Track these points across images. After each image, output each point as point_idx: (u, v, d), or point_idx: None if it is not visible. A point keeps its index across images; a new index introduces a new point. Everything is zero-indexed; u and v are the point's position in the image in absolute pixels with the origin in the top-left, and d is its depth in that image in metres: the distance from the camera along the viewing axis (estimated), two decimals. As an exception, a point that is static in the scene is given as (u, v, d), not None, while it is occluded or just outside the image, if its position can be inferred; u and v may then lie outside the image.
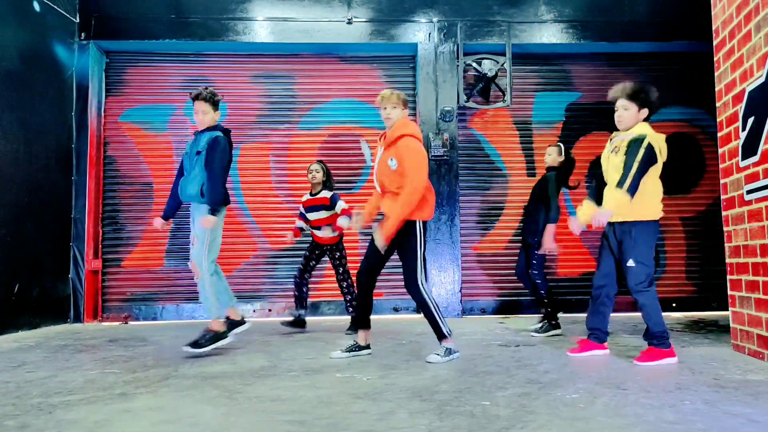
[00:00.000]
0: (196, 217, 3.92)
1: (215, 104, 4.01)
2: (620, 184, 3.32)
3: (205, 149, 3.88)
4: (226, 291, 4.04)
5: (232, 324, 4.03)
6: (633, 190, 3.30)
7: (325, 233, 5.02)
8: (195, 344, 3.81)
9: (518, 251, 5.06)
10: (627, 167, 3.34)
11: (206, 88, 4.00)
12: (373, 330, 5.15)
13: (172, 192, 4.13)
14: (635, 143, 3.37)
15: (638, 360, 3.44)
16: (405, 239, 3.54)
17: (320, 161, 5.27)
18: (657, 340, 3.44)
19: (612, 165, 3.52)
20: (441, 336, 3.57)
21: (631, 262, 3.44)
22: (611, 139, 3.66)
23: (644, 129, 3.48)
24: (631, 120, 3.50)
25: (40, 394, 2.77)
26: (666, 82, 6.92)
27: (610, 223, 3.50)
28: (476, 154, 6.81)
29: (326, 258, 5.18)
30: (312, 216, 5.10)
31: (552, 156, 4.80)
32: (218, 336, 3.89)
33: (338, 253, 5.14)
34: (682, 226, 6.80)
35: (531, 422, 2.18)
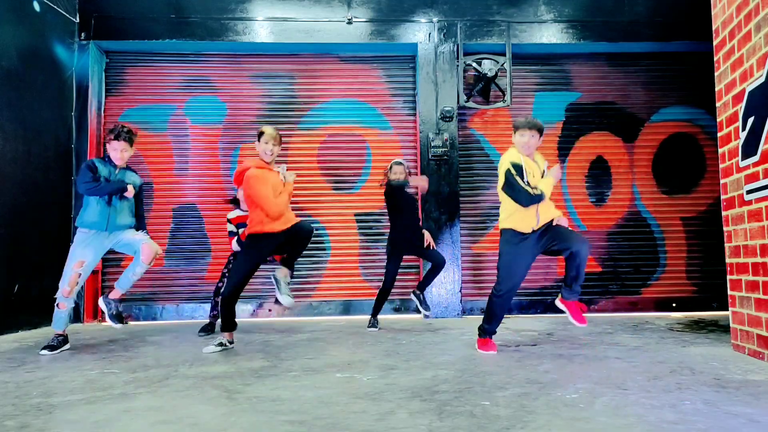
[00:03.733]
0: (124, 231, 4.24)
1: (132, 142, 4.33)
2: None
3: (135, 191, 4.28)
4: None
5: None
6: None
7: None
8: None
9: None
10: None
11: (121, 127, 4.30)
12: (372, 330, 5.16)
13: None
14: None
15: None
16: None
17: None
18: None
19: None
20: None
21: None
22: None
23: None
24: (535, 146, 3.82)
25: (40, 394, 2.77)
26: (666, 82, 6.93)
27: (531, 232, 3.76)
28: (476, 154, 6.81)
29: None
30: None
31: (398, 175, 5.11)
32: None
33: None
34: (683, 226, 6.80)
35: (531, 422, 2.18)
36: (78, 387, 2.91)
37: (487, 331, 3.90)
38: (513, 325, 5.51)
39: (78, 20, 6.43)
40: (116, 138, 4.19)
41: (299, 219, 4.18)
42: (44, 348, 4.09)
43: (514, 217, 3.76)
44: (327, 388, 2.82)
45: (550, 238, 3.75)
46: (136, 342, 4.59)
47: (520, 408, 2.39)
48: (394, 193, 5.09)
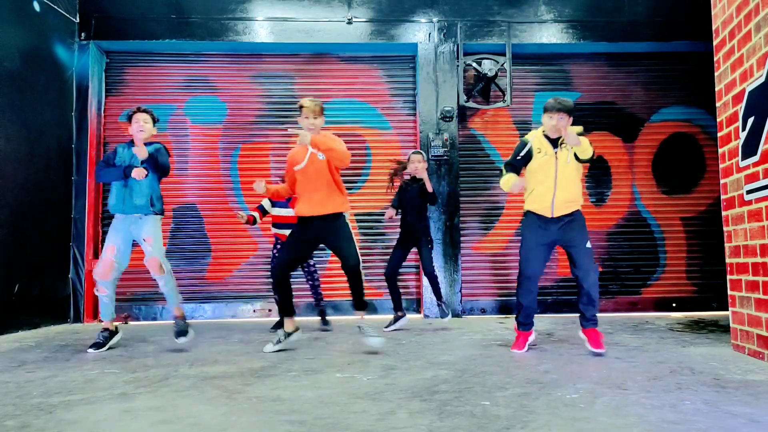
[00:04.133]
0: (144, 225, 4.15)
1: (154, 119, 4.28)
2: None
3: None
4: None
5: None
6: None
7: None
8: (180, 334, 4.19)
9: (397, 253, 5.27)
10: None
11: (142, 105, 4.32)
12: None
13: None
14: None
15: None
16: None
17: None
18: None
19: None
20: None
21: (588, 244, 3.78)
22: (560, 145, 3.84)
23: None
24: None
25: (40, 394, 2.77)
26: (666, 82, 6.93)
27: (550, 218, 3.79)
28: (476, 154, 6.81)
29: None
30: (280, 212, 5.09)
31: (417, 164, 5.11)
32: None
33: None
34: (683, 226, 6.80)
35: (531, 422, 2.18)
36: (78, 387, 2.91)
37: (518, 323, 3.94)
38: (513, 325, 5.50)
39: (78, 20, 6.44)
40: (136, 111, 4.16)
41: (336, 209, 3.89)
42: (91, 346, 4.06)
43: (531, 195, 3.83)
44: (327, 388, 2.82)
45: (567, 243, 3.77)
46: (136, 342, 4.59)
47: (520, 408, 2.39)
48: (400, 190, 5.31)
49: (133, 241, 4.23)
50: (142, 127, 4.12)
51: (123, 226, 4.15)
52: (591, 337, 3.75)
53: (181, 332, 4.17)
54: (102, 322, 4.23)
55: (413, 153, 5.22)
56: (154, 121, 4.25)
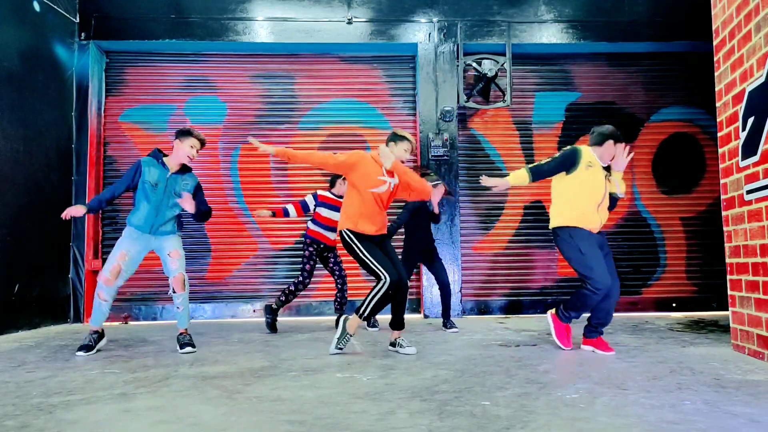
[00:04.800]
0: (168, 240, 4.08)
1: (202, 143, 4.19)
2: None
3: (191, 192, 4.12)
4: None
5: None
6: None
7: (334, 235, 5.07)
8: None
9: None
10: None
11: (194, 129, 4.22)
12: (373, 330, 5.17)
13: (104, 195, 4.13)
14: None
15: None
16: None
17: None
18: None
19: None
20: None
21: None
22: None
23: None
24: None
25: (40, 394, 2.77)
26: (666, 82, 6.93)
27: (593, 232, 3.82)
28: (476, 154, 6.81)
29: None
30: (328, 214, 5.10)
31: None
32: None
33: (337, 254, 5.22)
34: (683, 226, 6.80)
35: (531, 422, 2.18)
36: (78, 387, 2.91)
37: (567, 317, 3.95)
38: (513, 325, 5.51)
39: (78, 20, 6.43)
40: (188, 134, 4.07)
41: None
42: (80, 349, 3.95)
43: (575, 212, 3.79)
44: (327, 388, 2.82)
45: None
46: (136, 342, 4.59)
47: (520, 408, 2.39)
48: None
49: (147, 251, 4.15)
50: (191, 154, 4.07)
51: (144, 240, 4.05)
52: (600, 345, 3.81)
53: (188, 344, 4.09)
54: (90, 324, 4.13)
55: (434, 184, 5.02)
56: (202, 147, 4.19)
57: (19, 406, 2.54)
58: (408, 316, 5.28)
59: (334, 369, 3.30)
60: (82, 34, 6.44)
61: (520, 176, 3.84)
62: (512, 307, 6.55)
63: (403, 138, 3.93)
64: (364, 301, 3.80)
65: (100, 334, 4.10)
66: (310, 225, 5.17)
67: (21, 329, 5.35)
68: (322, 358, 3.67)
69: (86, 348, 3.96)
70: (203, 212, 4.19)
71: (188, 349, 4.05)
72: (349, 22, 6.59)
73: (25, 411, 2.45)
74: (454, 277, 6.30)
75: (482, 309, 6.57)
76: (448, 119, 6.50)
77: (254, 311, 6.47)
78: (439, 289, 5.12)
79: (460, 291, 6.35)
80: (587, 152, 3.82)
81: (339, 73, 6.87)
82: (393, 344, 3.94)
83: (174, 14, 6.52)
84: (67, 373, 3.28)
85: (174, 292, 4.09)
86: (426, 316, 6.22)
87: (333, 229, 5.06)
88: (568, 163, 3.78)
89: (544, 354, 3.76)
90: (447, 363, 3.46)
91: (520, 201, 6.74)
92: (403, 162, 3.96)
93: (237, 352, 3.99)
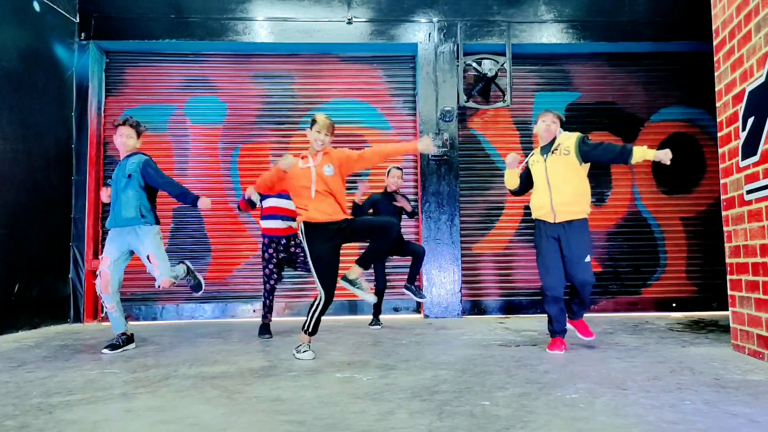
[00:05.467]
0: (143, 238, 4.08)
1: (139, 132, 4.27)
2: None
3: (138, 171, 4.10)
4: None
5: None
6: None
7: (286, 223, 4.73)
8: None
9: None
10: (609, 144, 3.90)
11: (131, 117, 4.31)
12: (373, 331, 5.17)
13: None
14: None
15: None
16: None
17: None
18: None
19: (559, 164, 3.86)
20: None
21: (587, 258, 3.79)
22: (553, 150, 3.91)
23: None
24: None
25: (40, 394, 2.77)
26: (666, 82, 6.93)
27: (551, 223, 3.83)
28: (476, 154, 6.81)
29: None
30: (275, 202, 4.73)
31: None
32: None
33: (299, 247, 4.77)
34: (683, 226, 6.80)
35: (531, 422, 2.18)
36: (78, 387, 2.91)
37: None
38: (513, 325, 5.51)
39: (78, 20, 6.43)
40: (122, 124, 4.17)
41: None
42: (106, 347, 4.02)
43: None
44: (327, 388, 2.82)
45: (565, 249, 3.79)
46: (136, 342, 4.59)
47: (520, 408, 2.39)
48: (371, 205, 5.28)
49: (131, 251, 4.20)
50: (124, 142, 4.16)
51: (118, 237, 4.13)
52: (580, 327, 3.98)
53: (197, 285, 4.39)
54: (103, 321, 4.23)
55: (394, 168, 5.34)
56: (138, 134, 4.25)
57: (19, 406, 2.54)
58: (408, 316, 5.28)
59: (334, 369, 3.31)
60: (82, 34, 6.44)
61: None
62: (512, 307, 6.55)
63: (313, 121, 3.73)
64: (307, 319, 3.69)
65: (128, 337, 4.20)
66: (262, 222, 4.82)
67: (21, 329, 5.35)
68: (322, 358, 3.67)
69: (112, 347, 4.04)
70: (172, 192, 4.14)
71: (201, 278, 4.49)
72: (349, 22, 6.59)
73: (25, 411, 2.45)
74: (454, 277, 6.30)
75: (482, 309, 6.57)
76: (448, 119, 6.50)
77: (254, 311, 6.47)
78: (413, 258, 5.15)
79: (460, 291, 6.35)
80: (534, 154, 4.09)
81: (339, 73, 6.87)
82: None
83: (174, 14, 6.52)
84: (67, 373, 3.28)
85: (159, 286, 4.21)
86: (426, 316, 6.22)
87: (283, 217, 4.70)
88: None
89: (544, 354, 3.76)
90: (447, 363, 3.46)
91: (520, 201, 6.73)
92: (324, 143, 3.71)
93: (237, 352, 3.99)
